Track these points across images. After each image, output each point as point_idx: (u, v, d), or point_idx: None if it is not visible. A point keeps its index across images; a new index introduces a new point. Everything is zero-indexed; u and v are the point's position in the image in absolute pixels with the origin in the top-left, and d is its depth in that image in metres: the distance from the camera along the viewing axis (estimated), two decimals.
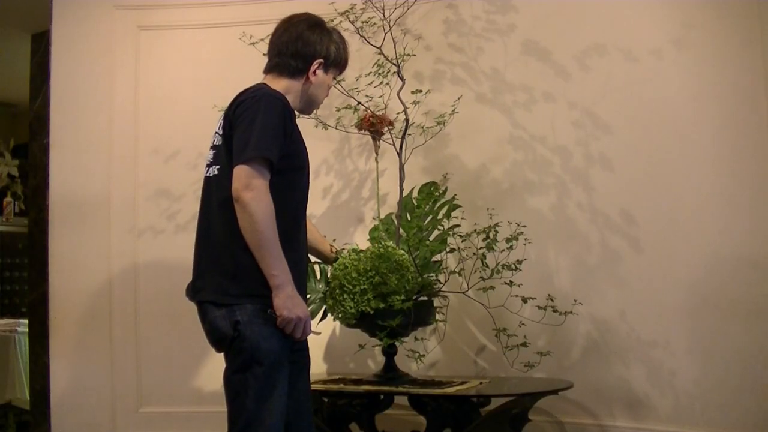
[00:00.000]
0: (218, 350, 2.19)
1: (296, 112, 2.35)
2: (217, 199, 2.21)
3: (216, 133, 2.29)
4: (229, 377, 2.14)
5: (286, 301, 2.11)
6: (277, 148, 2.14)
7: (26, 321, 4.60)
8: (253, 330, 2.11)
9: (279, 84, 2.32)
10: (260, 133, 2.11)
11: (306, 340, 2.28)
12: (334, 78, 2.49)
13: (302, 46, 2.34)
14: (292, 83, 2.34)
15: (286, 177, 2.20)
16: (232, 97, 2.28)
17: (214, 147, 2.28)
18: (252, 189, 2.08)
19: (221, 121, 2.27)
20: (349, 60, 2.49)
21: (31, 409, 4.34)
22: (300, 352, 2.29)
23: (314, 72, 2.34)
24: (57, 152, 3.93)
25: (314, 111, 2.51)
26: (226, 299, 2.14)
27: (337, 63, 2.42)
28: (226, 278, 2.15)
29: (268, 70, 2.38)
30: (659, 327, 3.10)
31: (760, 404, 2.87)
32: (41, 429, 4.06)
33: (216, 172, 2.23)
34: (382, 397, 3.16)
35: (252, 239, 2.10)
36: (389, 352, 3.10)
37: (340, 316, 2.99)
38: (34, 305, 4.31)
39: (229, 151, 2.18)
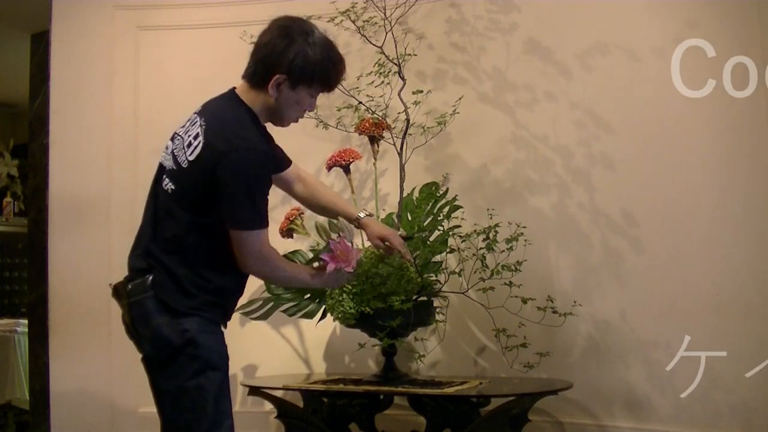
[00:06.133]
0: (157, 356, 2.12)
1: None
2: (167, 213, 2.16)
3: (183, 147, 2.14)
4: (182, 385, 2.09)
5: (324, 285, 2.42)
6: (265, 206, 2.13)
7: (26, 321, 4.59)
8: (205, 338, 2.11)
9: (248, 95, 2.16)
10: (249, 202, 2.07)
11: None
12: (312, 96, 2.18)
13: (267, 53, 2.12)
14: (258, 95, 2.15)
15: None
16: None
17: (176, 164, 2.14)
18: (263, 259, 2.15)
19: (190, 138, 2.12)
20: (334, 78, 2.18)
21: (31, 409, 4.33)
22: None
23: (274, 87, 2.11)
24: (57, 152, 3.92)
25: (290, 124, 2.25)
26: (175, 307, 2.11)
27: (306, 80, 2.12)
28: (173, 292, 2.12)
29: (243, 75, 2.19)
30: (659, 327, 3.09)
31: (761, 404, 2.86)
32: (41, 429, 4.05)
33: (173, 188, 2.14)
34: (381, 397, 3.16)
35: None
36: (389, 353, 3.09)
37: (339, 316, 2.99)
38: (34, 305, 4.30)
39: (193, 187, 2.10)
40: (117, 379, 3.77)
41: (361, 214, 2.48)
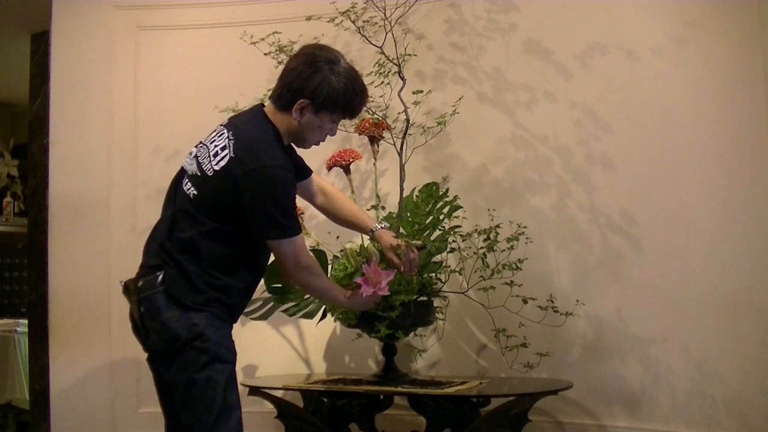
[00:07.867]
0: (165, 350, 2.19)
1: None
2: (185, 215, 2.25)
3: (208, 156, 2.24)
4: (192, 377, 2.16)
5: (354, 306, 2.58)
6: (295, 213, 2.29)
7: (26, 321, 4.59)
8: (213, 331, 2.18)
9: (274, 116, 2.29)
10: (279, 212, 2.19)
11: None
12: (334, 122, 2.32)
13: (293, 79, 2.24)
14: (283, 117, 2.28)
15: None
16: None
17: (200, 170, 2.25)
18: (304, 267, 2.30)
19: (217, 149, 2.23)
20: (356, 107, 2.32)
21: (30, 409, 4.33)
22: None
23: (298, 111, 2.24)
24: (57, 152, 3.92)
25: (311, 146, 2.40)
26: (184, 301, 2.19)
27: (328, 107, 2.25)
28: (182, 287, 2.20)
29: (270, 97, 2.35)
30: (658, 327, 3.10)
31: (759, 403, 2.87)
32: (41, 429, 4.06)
33: (195, 193, 2.25)
34: (381, 397, 3.16)
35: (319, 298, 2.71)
36: (389, 353, 3.09)
37: (340, 316, 2.99)
38: (34, 305, 4.30)
39: (216, 195, 2.20)
40: (117, 379, 3.77)
41: (378, 226, 2.62)
